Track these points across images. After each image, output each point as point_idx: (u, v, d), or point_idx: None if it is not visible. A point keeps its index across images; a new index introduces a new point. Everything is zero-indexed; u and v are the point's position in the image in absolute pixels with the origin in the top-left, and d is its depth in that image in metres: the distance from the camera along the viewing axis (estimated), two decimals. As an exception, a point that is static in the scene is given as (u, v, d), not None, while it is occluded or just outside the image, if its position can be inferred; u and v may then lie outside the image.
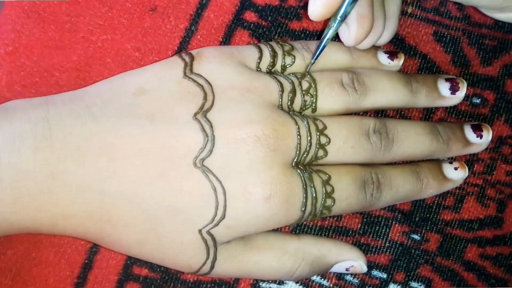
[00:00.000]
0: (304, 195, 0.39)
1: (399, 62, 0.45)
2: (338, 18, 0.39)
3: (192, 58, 0.41)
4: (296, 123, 0.40)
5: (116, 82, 0.41)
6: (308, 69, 0.42)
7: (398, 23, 0.44)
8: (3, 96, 0.44)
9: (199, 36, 0.45)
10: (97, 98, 0.39)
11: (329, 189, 0.40)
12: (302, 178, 0.39)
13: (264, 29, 0.46)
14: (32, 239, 0.44)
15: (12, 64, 0.44)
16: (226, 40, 0.45)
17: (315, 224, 0.46)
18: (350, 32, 0.40)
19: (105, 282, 0.44)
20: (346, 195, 0.41)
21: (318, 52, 0.42)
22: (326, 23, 0.46)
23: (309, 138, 0.40)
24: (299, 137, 0.39)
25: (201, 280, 0.45)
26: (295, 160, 0.40)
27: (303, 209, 0.40)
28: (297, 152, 0.40)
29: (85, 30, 0.45)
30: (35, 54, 0.45)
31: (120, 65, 0.45)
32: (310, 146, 0.40)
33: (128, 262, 0.44)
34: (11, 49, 0.44)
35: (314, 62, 0.42)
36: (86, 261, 0.44)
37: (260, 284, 0.45)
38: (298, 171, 0.40)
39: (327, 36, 0.41)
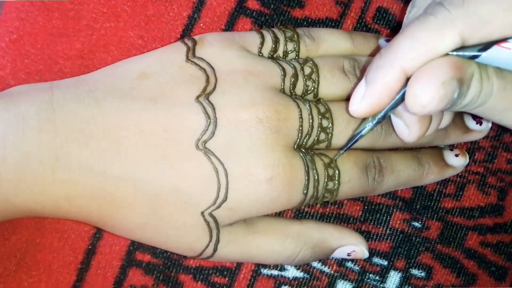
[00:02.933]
0: (306, 177, 0.40)
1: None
2: (376, 119, 0.38)
3: (194, 42, 0.41)
4: (298, 106, 0.40)
5: (119, 68, 0.41)
6: (336, 157, 0.41)
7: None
8: (7, 83, 0.44)
9: (201, 24, 0.45)
10: (100, 83, 0.40)
11: (331, 171, 0.41)
12: (304, 161, 0.40)
13: (267, 17, 0.46)
14: (36, 225, 0.44)
15: (17, 52, 0.45)
16: (229, 28, 0.46)
17: (317, 211, 0.46)
18: (411, 132, 0.38)
19: (108, 267, 0.45)
20: (348, 178, 0.41)
21: (349, 144, 0.40)
22: (327, 11, 0.46)
23: (311, 121, 0.40)
24: (301, 120, 0.40)
25: (203, 266, 0.45)
26: (297, 143, 0.40)
27: (305, 191, 0.40)
28: (299, 135, 0.40)
29: (88, 18, 0.45)
30: (39, 42, 0.45)
31: (123, 52, 0.45)
32: (312, 129, 0.40)
33: (131, 248, 0.45)
34: (15, 37, 0.45)
35: (343, 153, 0.41)
36: (90, 247, 0.44)
37: (262, 270, 0.45)
38: (300, 153, 0.40)
39: (362, 133, 0.39)
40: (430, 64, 0.33)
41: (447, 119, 0.41)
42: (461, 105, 0.34)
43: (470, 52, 0.33)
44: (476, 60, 0.33)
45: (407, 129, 0.38)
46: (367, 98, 0.35)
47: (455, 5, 0.32)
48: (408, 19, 0.37)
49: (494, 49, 0.33)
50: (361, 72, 0.43)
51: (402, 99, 0.35)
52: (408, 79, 0.34)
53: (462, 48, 0.33)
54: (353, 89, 0.42)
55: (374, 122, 0.38)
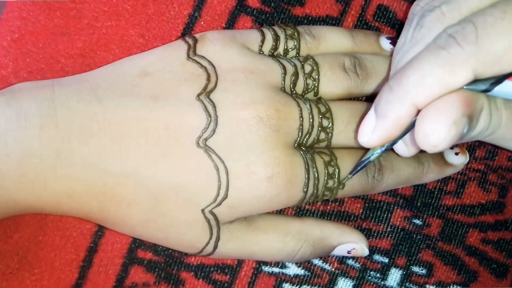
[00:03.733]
0: (306, 175, 0.40)
1: None
2: (385, 147, 0.37)
3: (195, 40, 0.41)
4: (299, 105, 0.40)
5: (120, 66, 0.42)
6: (344, 181, 0.41)
7: None
8: (9, 82, 0.44)
9: (202, 22, 0.46)
10: (101, 80, 0.40)
11: (331, 170, 0.41)
12: (304, 159, 0.40)
13: (267, 15, 0.46)
14: (39, 223, 0.44)
15: (18, 51, 0.45)
16: (229, 26, 0.46)
17: (317, 209, 0.46)
18: (409, 150, 0.38)
19: (110, 265, 0.45)
20: (348, 176, 0.41)
21: (357, 170, 0.40)
22: (328, 8, 0.46)
23: (311, 121, 0.40)
24: (301, 119, 0.40)
25: (205, 264, 0.45)
26: (297, 141, 0.40)
27: (305, 189, 0.40)
28: (299, 134, 0.40)
29: (90, 17, 0.45)
30: (41, 41, 0.45)
31: (124, 51, 0.45)
32: (312, 128, 0.40)
33: (133, 245, 0.45)
34: (17, 36, 0.45)
35: (351, 177, 0.41)
36: (92, 245, 0.45)
37: (263, 267, 0.46)
38: (301, 152, 0.40)
39: (370, 159, 0.39)
40: (441, 100, 0.32)
41: None
42: (469, 137, 0.34)
43: (482, 86, 0.33)
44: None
45: (405, 147, 0.38)
46: (378, 132, 0.35)
47: (468, 42, 0.32)
48: (414, 39, 0.36)
49: (506, 83, 0.33)
50: (362, 70, 0.43)
51: (412, 126, 0.34)
52: (419, 110, 0.33)
53: (473, 82, 0.33)
54: (354, 87, 0.42)
55: (383, 149, 0.38)
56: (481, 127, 0.34)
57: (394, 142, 0.36)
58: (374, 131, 0.35)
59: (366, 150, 0.40)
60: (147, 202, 0.39)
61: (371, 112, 0.36)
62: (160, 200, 0.39)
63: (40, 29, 0.45)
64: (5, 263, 0.44)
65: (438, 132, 0.32)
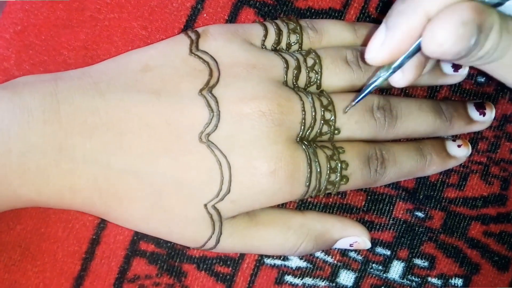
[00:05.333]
0: (309, 170, 0.40)
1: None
2: (392, 68, 0.36)
3: (198, 35, 0.41)
4: (301, 99, 0.40)
5: (122, 60, 0.41)
6: (347, 109, 0.41)
7: None
8: (12, 74, 0.44)
9: (205, 15, 0.45)
10: (104, 75, 0.40)
11: (333, 164, 0.41)
12: (307, 153, 0.40)
13: (270, 7, 0.46)
14: (41, 215, 0.44)
15: (21, 43, 0.45)
16: (232, 18, 0.46)
17: (320, 202, 0.46)
18: (405, 76, 0.37)
19: (113, 257, 0.45)
20: (351, 170, 0.41)
21: (362, 96, 0.40)
22: (331, 1, 0.46)
23: (313, 114, 0.40)
24: (303, 112, 0.40)
25: (207, 256, 0.45)
26: (300, 135, 0.40)
27: (307, 184, 0.40)
28: (302, 128, 0.40)
29: (92, 9, 0.45)
30: (43, 33, 0.45)
31: (127, 43, 0.45)
32: (314, 122, 0.40)
33: (135, 237, 0.45)
34: (20, 28, 0.45)
35: (355, 105, 0.41)
36: (94, 237, 0.45)
37: (265, 260, 0.46)
38: (303, 146, 0.40)
39: (375, 83, 0.38)
40: (452, 6, 0.31)
41: (431, 64, 0.40)
42: (476, 57, 0.33)
43: None
44: (499, 8, 0.32)
45: (401, 74, 0.37)
46: (388, 44, 0.34)
47: None
48: None
49: None
50: (364, 62, 0.43)
51: (418, 48, 0.34)
52: None
53: None
54: (356, 79, 0.42)
55: (390, 71, 0.37)
56: (489, 46, 0.32)
57: (401, 64, 0.36)
58: (383, 44, 0.34)
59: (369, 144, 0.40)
60: (149, 197, 0.39)
61: (382, 26, 0.35)
62: (162, 195, 0.39)
63: (42, 22, 0.45)
64: (7, 255, 0.44)
65: (446, 29, 0.31)
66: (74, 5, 0.45)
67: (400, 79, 0.37)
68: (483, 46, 0.32)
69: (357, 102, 0.40)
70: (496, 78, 0.36)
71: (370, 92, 0.39)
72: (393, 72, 0.37)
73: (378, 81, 0.38)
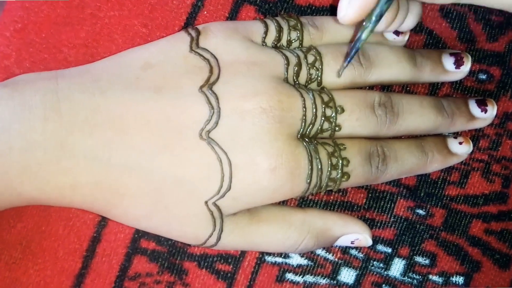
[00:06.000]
0: (310, 166, 0.40)
1: (404, 37, 0.45)
2: (374, 18, 0.37)
3: (198, 33, 0.41)
4: (302, 96, 0.40)
5: (123, 57, 0.41)
6: (340, 72, 0.41)
7: (422, 7, 0.42)
8: (12, 72, 0.44)
9: (205, 12, 0.45)
10: (104, 72, 0.40)
11: (334, 161, 0.41)
12: (308, 150, 0.40)
13: (270, 5, 0.46)
14: (42, 213, 0.44)
15: (21, 41, 0.45)
16: (233, 15, 0.46)
17: (321, 199, 0.46)
18: (385, 21, 0.38)
19: (113, 255, 0.45)
20: (352, 167, 0.41)
21: (351, 55, 0.40)
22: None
23: (314, 111, 0.40)
24: (304, 109, 0.40)
25: (208, 254, 0.45)
26: (300, 132, 0.40)
27: (308, 180, 0.40)
28: (303, 124, 0.40)
29: (92, 7, 0.45)
30: (44, 31, 0.45)
31: (127, 41, 0.45)
32: (315, 118, 0.40)
33: (136, 235, 0.45)
34: (20, 26, 0.45)
35: (347, 66, 0.41)
36: (95, 235, 0.45)
37: (266, 257, 0.46)
38: (304, 143, 0.40)
39: (362, 38, 0.38)
40: None
41: (411, 18, 0.41)
42: None
43: None
44: None
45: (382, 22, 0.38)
46: (353, 1, 0.35)
47: None
48: None
49: None
50: (366, 59, 0.43)
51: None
52: None
53: None
54: (357, 76, 0.42)
55: (372, 22, 0.37)
56: None
57: (381, 12, 0.36)
58: (349, 2, 0.35)
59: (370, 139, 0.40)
60: (150, 195, 0.39)
61: None
62: (163, 192, 0.39)
63: (43, 19, 0.45)
64: (8, 253, 0.44)
65: None
66: (75, 3, 0.45)
67: (382, 24, 0.38)
68: None
69: (348, 61, 0.40)
70: (481, 4, 0.37)
71: (359, 49, 0.39)
72: (376, 21, 0.37)
73: (364, 34, 0.38)
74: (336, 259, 0.46)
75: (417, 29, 0.47)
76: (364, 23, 0.38)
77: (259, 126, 0.39)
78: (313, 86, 0.42)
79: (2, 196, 0.38)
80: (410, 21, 0.41)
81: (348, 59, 0.40)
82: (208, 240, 0.41)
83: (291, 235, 0.42)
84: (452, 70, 0.45)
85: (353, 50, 0.39)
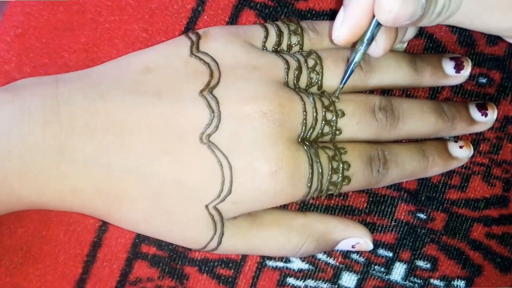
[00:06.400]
0: (310, 170, 0.40)
1: (403, 43, 0.45)
2: (365, 41, 0.38)
3: (198, 37, 0.41)
4: (302, 99, 0.40)
5: (123, 62, 0.42)
6: (336, 93, 0.41)
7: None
8: (13, 77, 0.44)
9: (206, 17, 0.45)
10: (104, 77, 0.40)
11: (335, 164, 0.41)
12: (308, 154, 0.40)
13: (271, 9, 0.46)
14: (42, 218, 0.44)
15: (22, 46, 0.45)
16: (233, 20, 0.46)
17: (322, 203, 0.46)
18: (378, 45, 0.39)
19: (114, 260, 0.45)
20: (352, 171, 0.41)
21: (346, 76, 0.41)
22: (331, 3, 0.46)
23: (315, 114, 0.40)
24: (305, 113, 0.40)
25: (209, 258, 0.45)
26: (301, 136, 0.40)
27: (309, 184, 0.40)
28: (303, 128, 0.40)
29: (93, 12, 0.45)
30: (44, 36, 0.45)
31: (127, 45, 0.45)
32: (316, 122, 0.40)
33: (137, 240, 0.45)
34: (20, 31, 0.45)
35: (342, 87, 0.41)
36: (96, 240, 0.45)
37: (267, 262, 0.46)
38: (304, 147, 0.40)
39: (355, 60, 0.39)
40: None
41: (411, 31, 0.42)
42: (435, 13, 0.34)
43: None
44: None
45: (375, 44, 0.38)
46: (346, 21, 0.36)
47: None
48: None
49: None
50: (366, 63, 0.43)
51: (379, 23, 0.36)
52: None
53: None
54: (358, 80, 0.42)
55: (364, 45, 0.38)
56: (442, 1, 0.34)
57: (372, 35, 0.37)
58: (342, 23, 0.36)
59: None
60: (150, 199, 0.39)
61: (341, 8, 0.37)
62: (163, 197, 0.39)
63: (43, 24, 0.45)
64: (9, 258, 0.44)
65: None
66: (75, 7, 0.45)
67: (375, 49, 0.39)
68: (437, 3, 0.33)
69: (343, 83, 0.41)
70: (469, 29, 0.38)
71: (353, 71, 0.40)
72: (368, 44, 0.38)
73: (357, 57, 0.39)
74: (337, 264, 0.46)
75: (417, 33, 0.47)
76: (356, 46, 0.39)
77: (259, 130, 0.39)
78: (314, 90, 0.42)
79: (2, 200, 0.38)
80: (410, 34, 0.42)
81: (344, 80, 0.41)
82: (208, 244, 0.41)
83: (292, 239, 0.42)
84: (452, 74, 0.45)
85: (347, 72, 0.40)
